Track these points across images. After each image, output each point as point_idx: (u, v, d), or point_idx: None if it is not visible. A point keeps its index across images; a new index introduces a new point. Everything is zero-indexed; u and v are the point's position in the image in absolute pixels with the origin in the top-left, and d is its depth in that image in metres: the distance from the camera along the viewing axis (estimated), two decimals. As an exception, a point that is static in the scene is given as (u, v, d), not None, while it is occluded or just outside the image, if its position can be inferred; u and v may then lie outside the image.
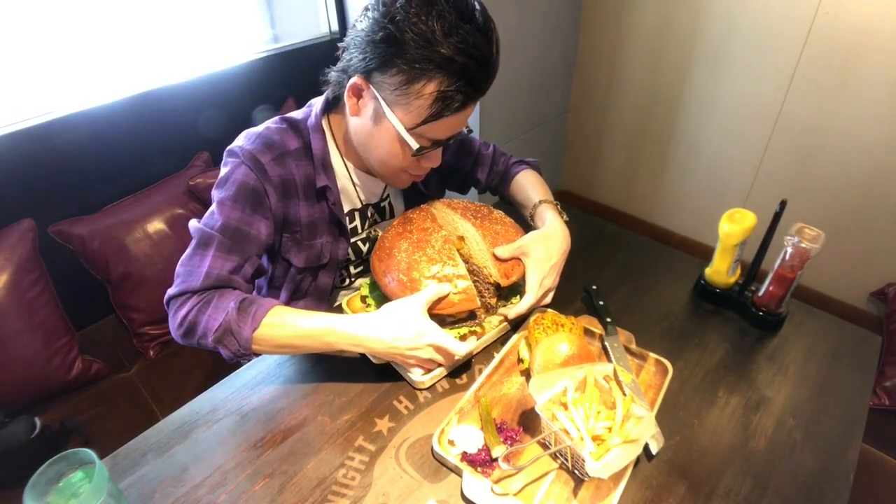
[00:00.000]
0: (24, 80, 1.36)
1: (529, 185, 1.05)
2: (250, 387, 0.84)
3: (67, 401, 1.32)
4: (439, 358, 0.79)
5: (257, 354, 0.81)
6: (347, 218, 0.96)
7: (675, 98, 1.98)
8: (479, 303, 0.84)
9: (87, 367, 1.33)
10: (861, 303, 1.83)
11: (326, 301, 1.01)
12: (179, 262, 0.81)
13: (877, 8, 1.46)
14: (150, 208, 1.43)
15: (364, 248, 1.01)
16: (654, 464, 0.72)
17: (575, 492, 0.68)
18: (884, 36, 1.48)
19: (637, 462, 0.71)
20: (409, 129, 0.77)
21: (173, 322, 0.80)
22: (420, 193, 1.04)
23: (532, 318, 0.86)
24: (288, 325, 0.77)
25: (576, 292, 1.00)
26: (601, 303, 0.93)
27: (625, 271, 1.07)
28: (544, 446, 0.72)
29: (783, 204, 0.86)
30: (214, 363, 1.44)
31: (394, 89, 0.73)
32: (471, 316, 0.87)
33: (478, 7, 0.72)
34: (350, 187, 0.94)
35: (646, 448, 0.72)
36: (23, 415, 1.16)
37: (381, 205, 1.01)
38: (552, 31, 1.93)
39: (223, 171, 0.85)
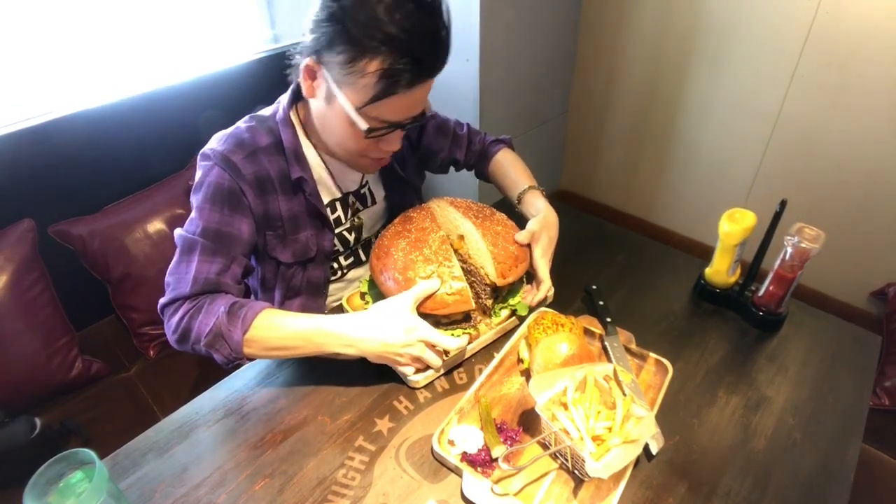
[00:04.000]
0: (24, 80, 1.36)
1: (511, 167, 1.09)
2: (250, 387, 0.84)
3: (67, 401, 1.32)
4: (432, 357, 0.79)
5: (251, 359, 0.81)
6: (329, 209, 0.96)
7: (675, 98, 1.98)
8: (473, 304, 0.84)
9: (87, 367, 1.33)
10: (861, 303, 1.83)
11: (322, 297, 1.01)
12: (168, 272, 0.82)
13: (877, 8, 1.46)
14: (150, 208, 1.43)
15: (350, 238, 1.01)
16: (654, 464, 0.72)
17: (575, 492, 0.68)
18: (884, 36, 1.48)
19: (637, 462, 0.71)
20: (357, 109, 0.76)
21: (168, 329, 0.81)
22: (399, 178, 1.04)
23: (532, 318, 0.86)
24: (278, 326, 0.78)
25: (576, 292, 1.00)
26: (601, 303, 0.93)
27: (625, 271, 1.07)
28: (544, 446, 0.72)
29: (783, 204, 0.86)
30: (214, 363, 1.44)
31: (340, 68, 0.73)
32: (466, 318, 0.87)
33: None
34: (326, 177, 0.94)
35: (646, 448, 0.72)
36: (23, 415, 1.16)
37: (361, 192, 1.01)
38: (552, 31, 1.93)
39: (198, 175, 0.85)
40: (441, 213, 0.92)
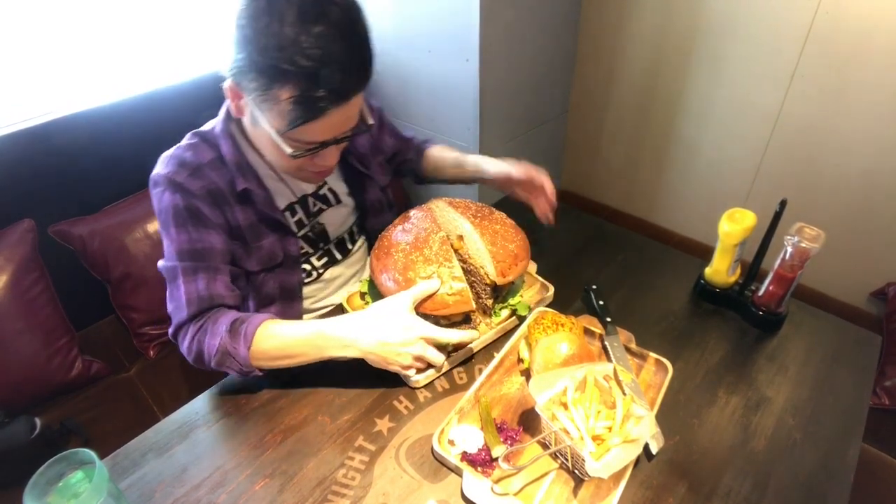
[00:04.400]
0: (24, 80, 1.36)
1: (447, 149, 1.14)
2: (250, 387, 0.84)
3: (67, 401, 1.32)
4: (435, 354, 0.78)
5: (263, 371, 0.81)
6: (288, 213, 0.95)
7: (675, 98, 1.98)
8: (474, 305, 0.84)
9: (87, 367, 1.33)
10: (861, 303, 1.83)
11: (298, 301, 1.00)
12: (167, 302, 0.84)
13: (877, 8, 1.46)
14: (150, 208, 1.40)
15: (317, 239, 1.00)
16: (654, 464, 0.72)
17: (575, 492, 0.68)
18: (884, 36, 1.48)
19: (637, 462, 0.71)
20: (279, 133, 0.74)
21: (185, 354, 0.84)
22: (362, 174, 1.03)
23: (532, 318, 0.86)
24: (278, 335, 0.79)
25: (576, 292, 1.00)
26: (601, 303, 0.93)
27: (625, 271, 1.07)
28: (544, 446, 0.72)
29: (783, 204, 0.86)
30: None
31: (256, 95, 0.71)
32: (466, 319, 0.87)
33: (333, 3, 0.68)
34: (279, 183, 0.93)
35: (646, 448, 0.72)
36: (23, 415, 1.16)
37: (321, 192, 1.00)
38: (552, 31, 1.93)
39: (154, 204, 0.86)
40: (440, 214, 0.92)
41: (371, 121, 0.82)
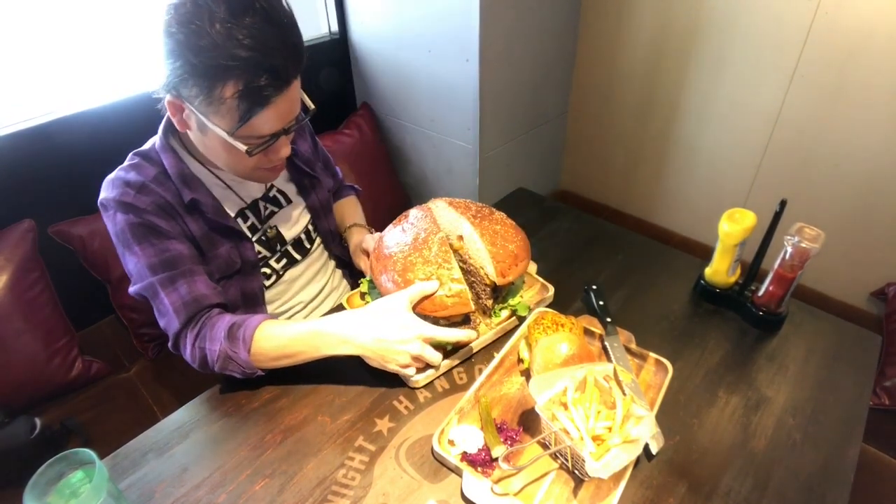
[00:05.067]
0: (24, 80, 1.36)
1: (351, 206, 1.21)
2: (250, 387, 0.84)
3: (67, 401, 1.32)
4: (432, 354, 0.78)
5: (265, 371, 0.82)
6: (240, 219, 0.95)
7: (675, 98, 1.98)
8: (473, 307, 0.84)
9: (87, 367, 1.33)
10: (861, 303, 1.83)
11: (261, 306, 1.00)
12: (158, 319, 0.85)
13: (877, 8, 1.46)
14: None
15: (272, 242, 1.00)
16: (654, 464, 0.72)
17: (575, 492, 0.68)
18: (884, 36, 1.47)
19: (637, 462, 0.71)
20: (230, 134, 0.75)
21: (189, 361, 0.84)
22: (307, 175, 1.04)
23: (532, 318, 0.86)
24: (276, 336, 0.80)
25: (576, 292, 1.00)
26: (601, 303, 0.93)
27: (625, 271, 1.07)
28: (544, 446, 0.72)
29: (783, 204, 0.86)
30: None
31: (200, 100, 0.72)
32: (465, 320, 0.87)
33: None
34: (226, 190, 0.93)
35: (646, 448, 0.72)
36: (23, 415, 1.16)
37: (270, 195, 0.99)
38: (551, 32, 1.93)
39: (109, 228, 0.85)
40: (440, 214, 0.92)
41: (311, 105, 0.83)
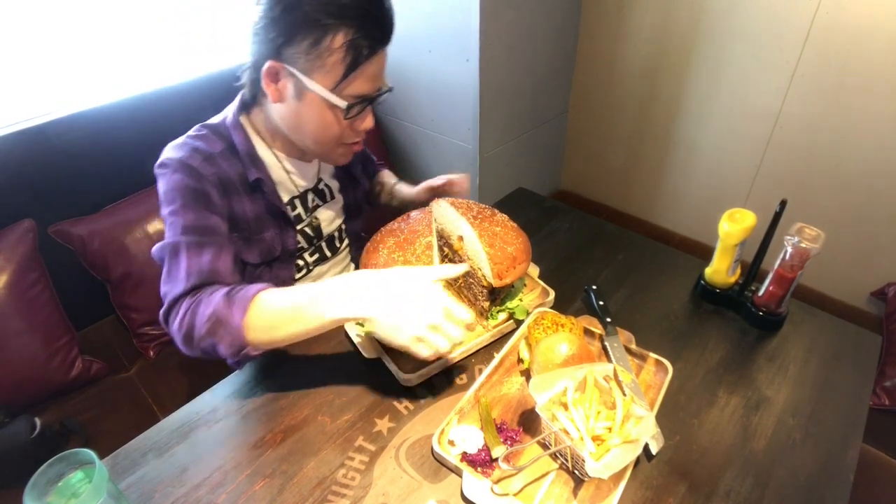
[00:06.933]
0: (24, 80, 1.36)
1: (388, 176, 1.23)
2: (250, 387, 0.84)
3: (67, 401, 1.32)
4: (452, 329, 0.69)
5: (257, 350, 0.79)
6: (289, 206, 0.96)
7: (675, 98, 1.98)
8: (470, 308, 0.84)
9: (87, 367, 1.33)
10: (861, 303, 1.83)
11: None
12: (161, 284, 0.82)
13: (877, 8, 1.46)
14: (150, 208, 1.43)
15: (313, 235, 1.02)
16: (654, 464, 0.72)
17: (575, 492, 0.68)
18: (884, 36, 1.48)
19: (637, 462, 0.71)
20: (332, 90, 0.79)
21: (173, 333, 0.79)
22: (350, 175, 1.08)
23: (532, 318, 0.86)
24: (277, 298, 0.73)
25: (576, 292, 1.00)
26: (601, 303, 0.93)
27: (625, 271, 1.07)
28: (544, 446, 0.72)
29: (783, 204, 0.86)
30: (214, 363, 1.44)
31: (306, 55, 0.76)
32: None
33: None
34: (284, 177, 0.95)
35: (646, 448, 0.72)
36: (23, 415, 1.16)
37: (319, 187, 1.02)
38: (552, 31, 1.93)
39: (161, 186, 0.85)
40: (441, 214, 0.92)
41: (389, 85, 0.88)
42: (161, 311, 0.81)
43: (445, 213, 0.92)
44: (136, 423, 1.07)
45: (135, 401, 1.36)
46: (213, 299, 0.76)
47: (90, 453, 0.58)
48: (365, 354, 0.86)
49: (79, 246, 1.36)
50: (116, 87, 1.43)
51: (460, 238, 0.89)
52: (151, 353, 1.46)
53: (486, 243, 0.86)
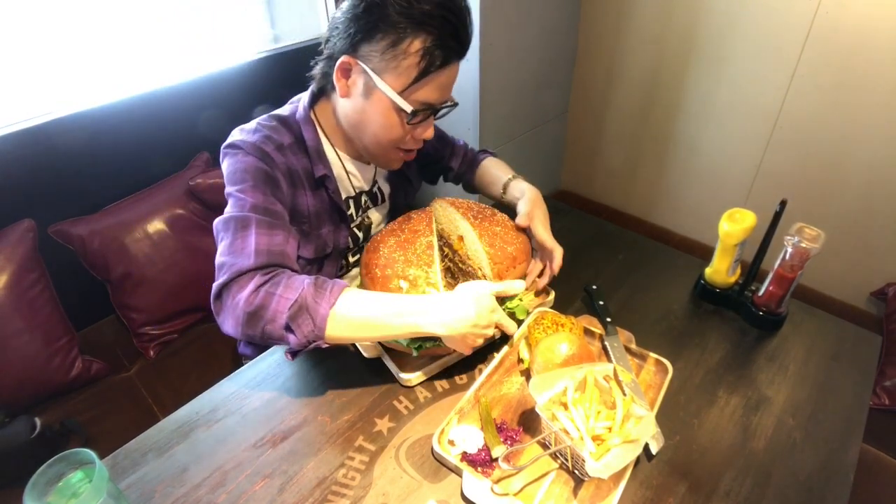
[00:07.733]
0: (24, 80, 1.36)
1: (496, 166, 1.13)
2: (250, 387, 0.84)
3: (67, 401, 1.32)
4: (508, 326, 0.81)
5: (325, 345, 0.74)
6: (345, 205, 0.97)
7: (675, 98, 1.98)
8: None
9: (87, 367, 1.33)
10: (861, 303, 1.83)
11: None
12: (218, 255, 0.76)
13: (877, 8, 1.46)
14: (150, 208, 1.43)
15: (360, 235, 1.03)
16: (654, 464, 0.72)
17: (575, 492, 0.68)
18: (884, 36, 1.48)
19: (637, 462, 0.71)
20: (401, 93, 0.79)
21: (232, 309, 0.72)
22: (404, 177, 1.08)
23: (532, 318, 0.86)
24: (367, 302, 0.74)
25: (576, 292, 1.00)
26: (601, 303, 0.93)
27: (625, 271, 1.07)
28: (544, 446, 0.72)
29: (783, 204, 0.86)
30: (214, 363, 1.44)
31: (382, 54, 0.76)
32: None
33: None
34: (344, 176, 0.96)
35: (646, 448, 0.72)
36: (23, 415, 1.16)
37: (373, 190, 1.03)
38: (552, 31, 1.93)
39: (229, 166, 0.83)
40: (442, 214, 0.93)
41: (455, 101, 0.87)
42: (218, 283, 0.74)
43: (446, 213, 0.92)
44: (136, 423, 1.07)
45: (135, 401, 1.36)
46: (296, 284, 0.72)
47: (90, 453, 0.58)
48: (365, 354, 0.86)
49: (79, 246, 1.36)
50: (116, 87, 1.42)
51: (460, 238, 0.89)
52: (151, 353, 1.46)
53: (487, 243, 0.87)
